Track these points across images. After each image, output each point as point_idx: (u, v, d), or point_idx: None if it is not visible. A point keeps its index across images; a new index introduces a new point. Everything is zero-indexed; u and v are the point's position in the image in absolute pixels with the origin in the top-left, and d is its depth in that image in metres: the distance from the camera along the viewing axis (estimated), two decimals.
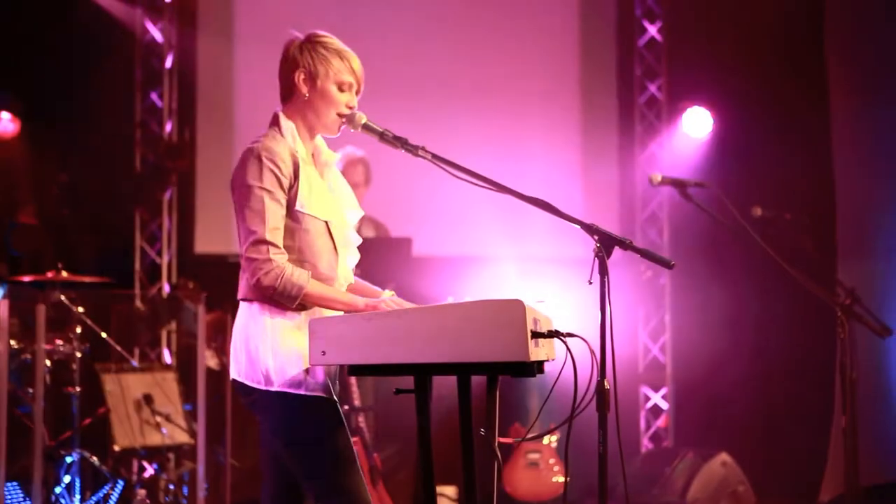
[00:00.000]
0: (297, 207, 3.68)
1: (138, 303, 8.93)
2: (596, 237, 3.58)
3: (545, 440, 7.90)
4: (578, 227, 3.63)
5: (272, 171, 3.65)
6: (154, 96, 9.21)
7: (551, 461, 7.90)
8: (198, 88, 9.19)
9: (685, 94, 9.59)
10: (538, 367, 3.57)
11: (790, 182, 8.74)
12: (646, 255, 3.62)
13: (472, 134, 9.27)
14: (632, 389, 9.66)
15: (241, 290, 3.72)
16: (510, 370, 3.53)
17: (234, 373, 3.74)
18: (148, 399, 7.89)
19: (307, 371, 3.63)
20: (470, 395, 3.64)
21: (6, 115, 8.61)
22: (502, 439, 4.12)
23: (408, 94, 8.96)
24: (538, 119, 9.46)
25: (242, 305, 3.73)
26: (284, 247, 3.67)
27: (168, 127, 9.22)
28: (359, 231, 4.03)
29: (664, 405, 9.65)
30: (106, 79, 8.88)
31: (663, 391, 9.66)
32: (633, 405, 9.65)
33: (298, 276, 3.61)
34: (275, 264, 3.59)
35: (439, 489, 8.05)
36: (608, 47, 9.83)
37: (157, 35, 9.21)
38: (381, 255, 7.13)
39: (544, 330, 3.52)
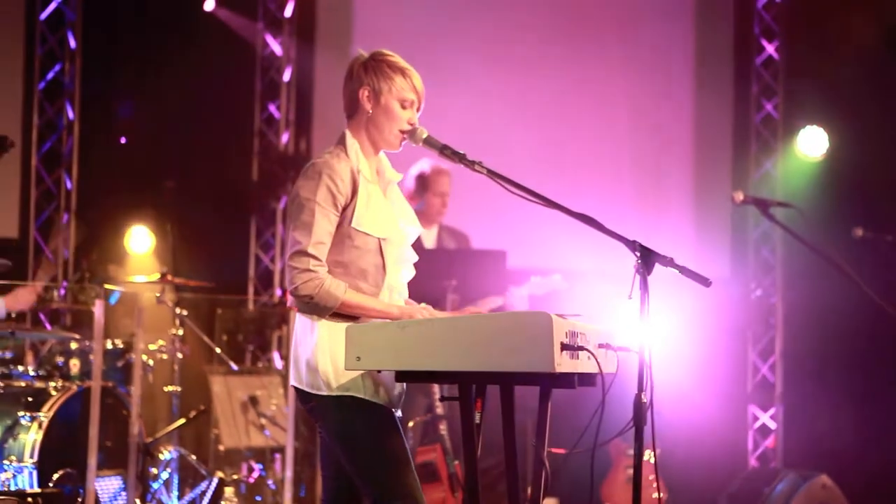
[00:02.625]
0: (353, 225, 3.82)
1: (251, 308, 9.19)
2: (637, 253, 3.62)
3: (645, 456, 7.89)
4: (621, 242, 3.65)
5: (329, 188, 3.79)
6: (272, 108, 9.48)
7: (650, 477, 7.89)
8: (314, 101, 9.42)
9: (802, 113, 9.48)
10: (582, 380, 3.64)
11: None
12: (685, 272, 3.65)
13: (583, 150, 9.33)
14: (740, 408, 9.58)
15: (290, 299, 3.87)
16: (548, 382, 3.62)
17: (294, 380, 3.89)
18: (253, 401, 8.12)
19: (362, 377, 3.76)
20: (513, 404, 3.73)
21: (129, 123, 8.93)
22: (555, 450, 4.19)
23: (511, 112, 9.07)
24: (651, 133, 9.46)
25: (299, 315, 3.87)
26: (333, 261, 3.82)
27: (284, 138, 9.47)
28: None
29: (772, 425, 9.55)
30: (226, 91, 9.17)
31: (772, 411, 9.56)
32: (742, 424, 9.56)
33: (336, 288, 3.75)
34: (314, 274, 3.74)
35: None
36: (725, 65, 9.77)
37: (277, 49, 9.48)
38: (475, 268, 7.23)
39: (593, 344, 3.60)
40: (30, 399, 6.29)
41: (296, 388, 3.90)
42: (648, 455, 7.94)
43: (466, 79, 9.08)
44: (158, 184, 8.77)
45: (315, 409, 3.85)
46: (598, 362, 3.50)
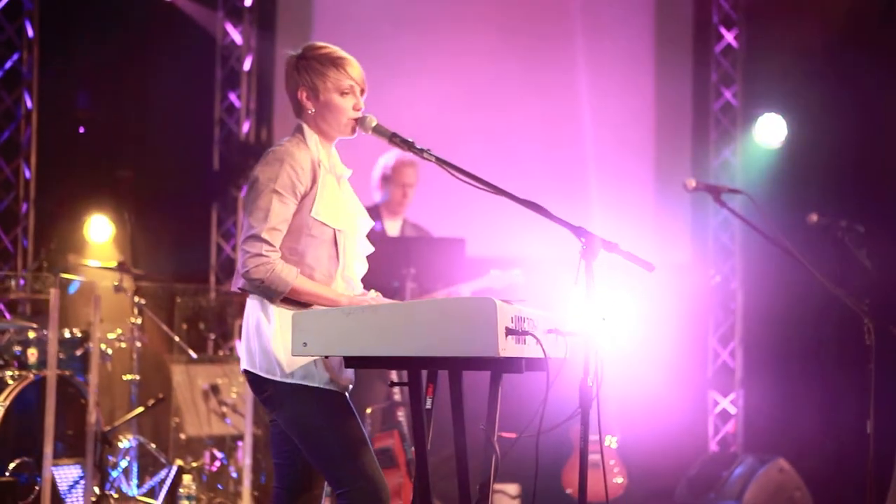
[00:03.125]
0: (312, 214, 3.84)
1: (212, 296, 9.19)
2: (582, 239, 3.66)
3: (606, 441, 7.97)
4: (566, 228, 3.69)
5: (289, 175, 3.82)
6: (232, 97, 9.47)
7: (612, 462, 7.96)
8: (275, 90, 9.42)
9: (760, 101, 9.54)
10: (529, 364, 3.67)
11: (863, 190, 8.68)
12: (629, 257, 3.69)
13: (543, 135, 9.37)
14: (700, 394, 9.65)
15: (235, 281, 3.89)
16: (495, 366, 3.65)
17: (247, 364, 3.91)
18: (215, 389, 8.13)
19: (316, 364, 3.79)
20: (461, 390, 3.75)
21: (87, 112, 8.91)
22: (504, 434, 4.22)
23: (477, 104, 9.11)
24: (612, 121, 9.49)
25: (251, 300, 3.89)
26: (288, 248, 3.84)
27: (245, 127, 9.47)
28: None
29: (732, 410, 9.62)
30: (185, 79, 9.16)
31: (732, 396, 9.63)
32: (702, 410, 9.64)
33: (287, 273, 3.77)
34: (266, 259, 3.76)
35: (500, 486, 8.17)
36: (684, 52, 9.82)
37: (237, 37, 9.47)
38: (433, 256, 7.26)
39: (541, 330, 3.64)
40: None
41: (249, 374, 3.91)
42: (609, 440, 8.02)
43: (425, 66, 9.12)
44: (117, 172, 8.75)
45: (270, 397, 3.88)
46: (542, 347, 3.54)
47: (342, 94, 3.97)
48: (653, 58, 9.72)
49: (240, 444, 8.01)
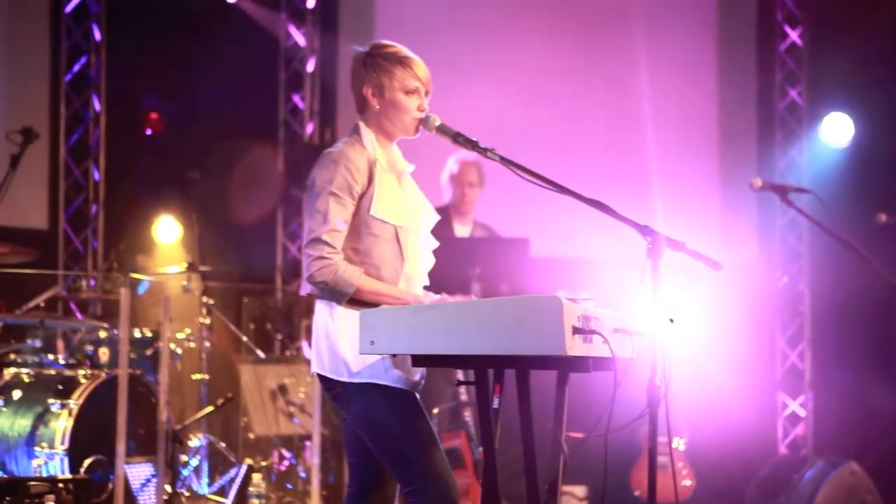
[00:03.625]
0: (371, 213, 3.86)
1: (279, 297, 9.25)
2: (648, 238, 3.65)
3: (674, 443, 7.92)
4: (632, 227, 3.68)
5: (345, 176, 3.83)
6: (296, 98, 9.54)
7: (680, 464, 7.92)
8: (338, 91, 9.46)
9: (826, 100, 9.46)
10: (590, 363, 3.66)
11: None
12: (696, 256, 3.68)
13: (605, 136, 9.34)
14: (769, 396, 9.57)
15: (303, 286, 3.92)
16: (561, 365, 3.65)
17: (317, 367, 3.93)
18: (282, 389, 8.19)
19: (384, 363, 3.81)
20: (528, 388, 3.76)
21: (155, 115, 9.00)
22: (572, 434, 4.22)
23: (532, 105, 9.10)
24: (675, 122, 9.44)
25: (319, 303, 3.91)
26: (352, 249, 3.86)
27: (309, 128, 9.53)
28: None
29: (802, 412, 9.53)
30: (250, 81, 9.24)
31: (801, 398, 9.55)
32: (771, 412, 9.55)
33: (350, 274, 3.79)
34: (328, 261, 3.78)
35: (568, 488, 8.16)
36: (748, 52, 9.76)
37: (301, 39, 9.53)
38: (498, 256, 7.26)
39: (609, 329, 3.63)
40: (60, 387, 6.38)
41: (319, 375, 3.94)
42: (677, 442, 7.97)
43: (485, 67, 9.13)
44: (185, 174, 8.85)
45: (339, 395, 3.90)
46: (610, 347, 3.53)
47: (407, 93, 3.98)
48: (715, 57, 9.67)
49: (307, 443, 8.07)
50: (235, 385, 8.09)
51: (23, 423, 6.30)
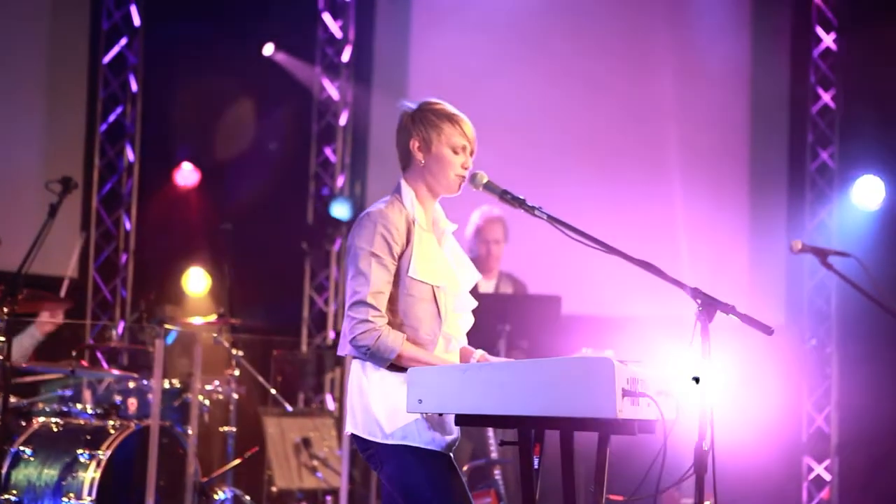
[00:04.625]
0: (409, 274, 3.84)
1: (304, 349, 9.23)
2: (698, 300, 3.62)
3: None
4: (681, 289, 3.65)
5: (384, 237, 3.81)
6: (328, 151, 9.56)
7: None
8: (370, 145, 9.50)
9: (857, 163, 9.45)
10: (635, 426, 3.62)
11: None
12: (747, 320, 3.64)
13: (637, 190, 9.33)
14: (794, 460, 9.48)
15: (342, 346, 3.89)
16: (608, 428, 3.61)
17: (351, 426, 3.90)
18: (306, 443, 8.15)
19: (417, 424, 3.79)
20: (572, 450, 3.72)
21: (188, 165, 9.04)
22: (613, 496, 4.18)
23: (568, 156, 9.11)
24: (706, 182, 9.43)
25: (354, 362, 3.88)
26: (389, 310, 3.83)
27: (340, 181, 9.55)
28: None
29: (827, 477, 9.44)
30: (283, 133, 9.28)
31: (826, 462, 9.46)
32: (796, 476, 9.46)
33: (393, 340, 3.76)
34: (372, 325, 3.75)
35: None
36: (781, 113, 9.77)
37: (334, 93, 9.57)
38: (529, 313, 7.24)
39: (653, 391, 3.59)
40: (88, 437, 6.33)
41: (353, 435, 3.91)
42: None
43: (519, 121, 9.15)
44: (215, 225, 8.87)
45: (372, 456, 3.87)
46: (660, 409, 3.49)
47: (454, 149, 3.97)
48: (749, 117, 9.68)
49: (329, 498, 8.01)
50: (260, 438, 8.04)
51: (50, 473, 6.24)
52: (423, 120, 3.98)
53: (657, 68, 9.55)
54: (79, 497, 6.11)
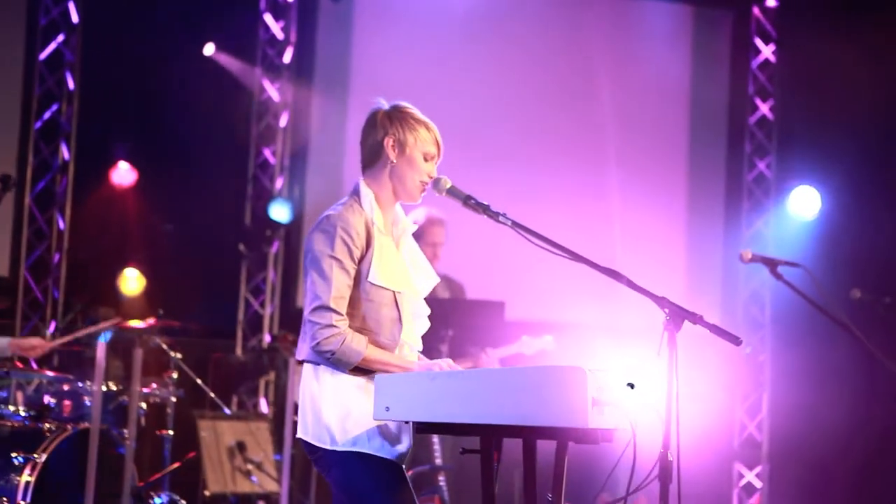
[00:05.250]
0: (369, 279, 3.78)
1: (239, 352, 9.12)
2: (666, 310, 3.61)
3: None
4: (649, 298, 3.64)
5: (344, 240, 3.75)
6: (267, 152, 9.44)
7: None
8: (310, 147, 9.40)
9: (794, 174, 9.54)
10: (605, 435, 3.60)
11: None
12: (715, 330, 3.64)
13: (574, 203, 9.34)
14: (725, 466, 9.56)
15: (301, 351, 3.82)
16: (573, 437, 3.57)
17: (301, 432, 3.84)
18: (241, 447, 8.05)
19: (368, 432, 3.72)
20: (535, 460, 3.68)
21: (125, 165, 8.89)
22: None
23: (508, 160, 9.08)
24: (644, 190, 9.46)
25: (307, 366, 3.82)
26: (350, 314, 3.76)
27: (279, 183, 9.44)
28: (433, 291, 4.11)
29: (758, 483, 9.52)
30: (222, 134, 9.15)
31: (758, 469, 9.54)
32: (727, 482, 9.54)
33: (357, 343, 3.70)
34: (337, 330, 3.69)
35: None
36: (719, 123, 9.85)
37: (274, 94, 9.46)
38: (473, 318, 7.20)
39: (611, 399, 3.55)
40: (22, 440, 6.17)
41: (301, 440, 3.84)
42: None
43: (456, 127, 9.08)
44: (152, 226, 8.72)
45: (320, 460, 3.82)
46: (629, 419, 3.47)
47: (425, 157, 3.93)
48: (687, 126, 9.74)
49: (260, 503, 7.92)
50: (194, 441, 7.92)
51: None
52: (401, 120, 3.94)
53: (597, 76, 9.57)
54: (12, 501, 5.94)
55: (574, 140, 9.48)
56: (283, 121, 9.47)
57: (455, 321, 7.05)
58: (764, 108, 9.84)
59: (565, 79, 9.58)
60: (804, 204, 9.39)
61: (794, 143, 9.69)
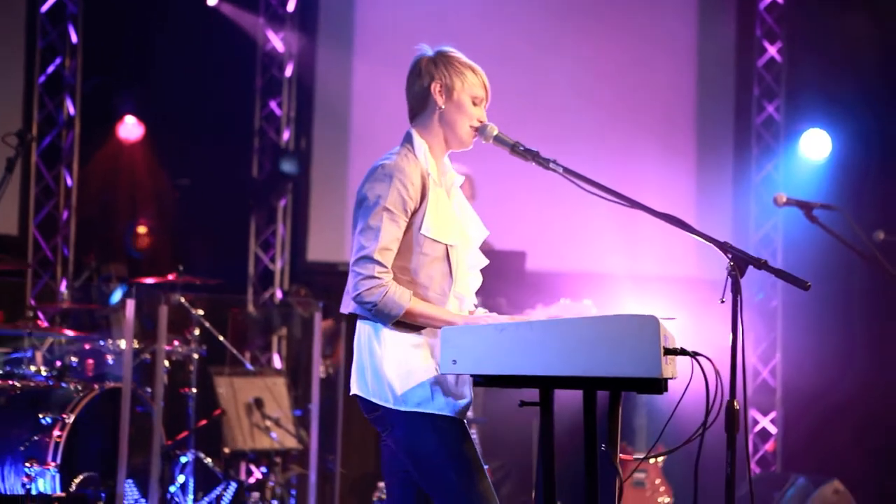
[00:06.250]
0: (423, 231, 3.69)
1: (251, 308, 9.04)
2: (730, 255, 3.54)
3: (651, 460, 7.83)
4: (711, 244, 3.56)
5: (399, 192, 3.65)
6: (273, 105, 9.32)
7: (657, 481, 7.83)
8: (315, 98, 9.29)
9: (803, 116, 9.46)
10: (664, 384, 3.55)
11: None
12: (781, 275, 3.57)
13: (583, 151, 9.23)
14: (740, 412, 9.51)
15: (345, 303, 3.74)
16: (637, 386, 3.51)
17: (358, 389, 3.74)
18: (259, 403, 7.99)
19: (432, 390, 3.65)
20: (595, 410, 3.62)
21: (131, 119, 8.77)
22: (623, 456, 4.10)
23: (519, 111, 8.96)
24: (653, 136, 9.39)
25: (364, 323, 3.73)
26: (399, 268, 3.68)
27: (285, 135, 9.32)
28: None
29: (773, 429, 9.51)
30: (227, 86, 9.03)
31: (772, 415, 9.52)
32: (741, 428, 9.50)
33: (400, 296, 3.61)
34: (379, 281, 3.60)
35: None
36: (726, 67, 9.76)
37: (279, 44, 9.33)
38: (493, 268, 7.11)
39: (674, 347, 3.50)
40: (46, 400, 6.11)
41: (359, 397, 3.76)
42: (654, 459, 7.87)
43: None
44: (159, 180, 8.62)
45: (380, 418, 3.73)
46: (702, 367, 3.41)
47: (474, 101, 3.84)
48: (695, 71, 9.66)
49: (278, 459, 7.88)
50: (214, 398, 7.86)
51: (11, 438, 6.00)
52: (447, 65, 3.84)
53: (604, 27, 9.47)
54: (42, 462, 5.88)
55: (579, 86, 9.37)
56: (289, 72, 9.34)
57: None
58: (772, 51, 9.74)
59: (571, 24, 9.47)
60: (814, 146, 9.31)
61: (803, 86, 9.60)
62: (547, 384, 3.50)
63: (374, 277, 3.61)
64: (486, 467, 3.68)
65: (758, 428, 9.54)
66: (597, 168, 8.90)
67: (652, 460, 7.82)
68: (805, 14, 9.58)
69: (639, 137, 9.34)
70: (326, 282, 8.65)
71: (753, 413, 9.56)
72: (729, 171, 9.73)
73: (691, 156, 9.61)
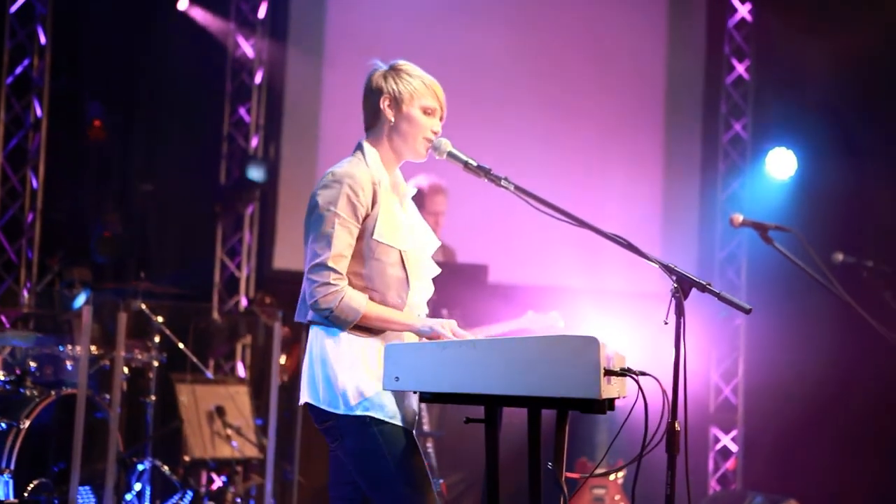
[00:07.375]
0: (375, 237, 3.72)
1: (216, 315, 9.02)
2: (674, 277, 3.57)
3: (612, 476, 7.84)
4: (656, 265, 3.60)
5: (349, 197, 3.69)
6: (242, 111, 9.32)
7: (617, 497, 7.84)
8: (285, 105, 9.28)
9: (770, 135, 9.50)
10: (609, 404, 3.57)
11: (872, 228, 8.65)
12: (723, 298, 3.60)
13: (551, 165, 9.27)
14: (701, 430, 9.55)
15: (300, 311, 3.78)
16: (581, 406, 3.53)
17: (308, 397, 3.77)
18: (220, 411, 7.98)
19: (383, 398, 3.67)
20: (539, 429, 3.64)
21: (98, 122, 8.74)
22: (569, 474, 4.11)
23: (487, 123, 9.00)
24: (621, 152, 9.43)
25: (316, 329, 3.76)
26: (354, 274, 3.71)
27: (254, 142, 9.32)
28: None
29: (733, 447, 9.54)
30: (196, 91, 9.02)
31: (733, 433, 9.56)
32: (703, 446, 9.54)
33: (356, 301, 3.65)
34: (335, 288, 3.64)
35: None
36: (695, 83, 9.79)
37: (249, 50, 9.33)
38: (455, 281, 7.14)
39: (617, 368, 3.52)
40: (5, 406, 6.09)
41: (309, 406, 3.78)
42: (614, 476, 7.89)
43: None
44: (126, 184, 8.59)
45: (331, 428, 3.75)
46: (640, 389, 3.44)
47: (425, 111, 3.87)
48: (664, 88, 9.68)
49: (238, 469, 7.87)
50: (174, 406, 7.85)
51: None
52: (397, 78, 3.87)
53: (573, 40, 9.49)
54: None
55: (548, 99, 9.39)
56: (258, 78, 9.35)
57: (435, 283, 6.97)
58: (740, 69, 9.79)
59: (539, 37, 9.48)
60: (780, 165, 9.34)
61: (770, 104, 9.65)
62: (492, 402, 3.52)
63: (329, 284, 3.65)
64: (440, 481, 3.71)
65: (719, 446, 9.58)
66: (562, 184, 9.07)
67: (612, 477, 7.84)
68: (773, 32, 9.63)
69: (605, 153, 9.37)
70: (292, 290, 8.60)
71: (715, 431, 9.60)
72: (696, 189, 9.76)
73: (658, 173, 9.64)
